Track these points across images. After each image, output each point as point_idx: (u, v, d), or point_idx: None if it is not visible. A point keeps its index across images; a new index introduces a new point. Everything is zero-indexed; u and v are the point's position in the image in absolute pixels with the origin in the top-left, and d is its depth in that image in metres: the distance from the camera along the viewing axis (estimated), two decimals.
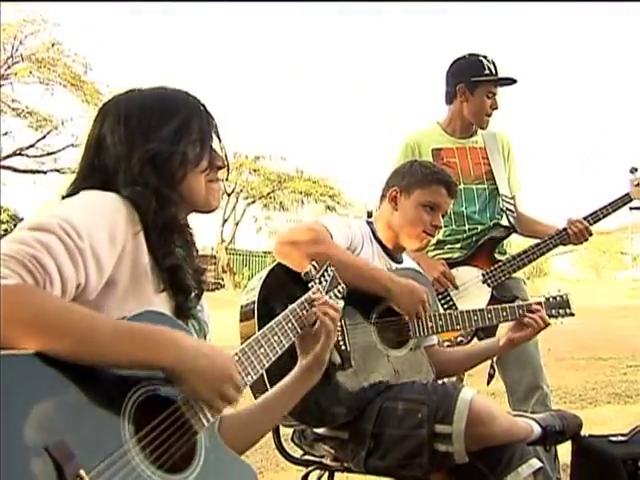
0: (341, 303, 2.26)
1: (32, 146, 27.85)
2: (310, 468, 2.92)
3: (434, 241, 3.94)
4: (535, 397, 3.83)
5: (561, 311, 3.26)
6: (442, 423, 2.52)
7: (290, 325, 2.02)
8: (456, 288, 3.82)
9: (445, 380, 3.15)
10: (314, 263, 2.28)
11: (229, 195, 39.64)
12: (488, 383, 3.73)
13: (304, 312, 2.08)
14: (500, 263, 3.89)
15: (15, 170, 28.32)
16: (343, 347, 2.39)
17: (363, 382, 2.72)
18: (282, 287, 2.62)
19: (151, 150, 1.79)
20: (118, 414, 1.47)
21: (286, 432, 3.01)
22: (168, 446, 1.54)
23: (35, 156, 28.20)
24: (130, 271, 1.67)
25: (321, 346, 2.10)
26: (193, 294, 1.87)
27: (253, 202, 40.90)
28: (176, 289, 1.80)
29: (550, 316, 3.22)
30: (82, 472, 1.32)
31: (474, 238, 3.99)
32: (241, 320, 2.64)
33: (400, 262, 3.09)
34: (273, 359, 1.93)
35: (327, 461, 2.88)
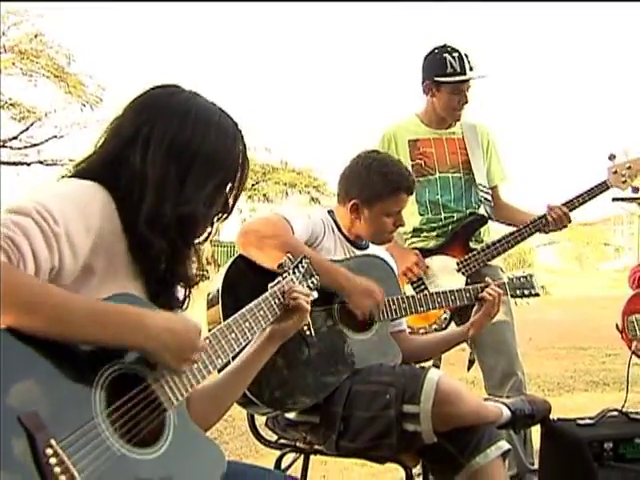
0: (314, 294, 2.31)
1: (15, 138, 27.68)
2: (283, 451, 2.97)
3: (410, 229, 4.01)
4: (510, 383, 3.89)
5: (525, 291, 3.32)
6: (410, 403, 2.58)
7: (262, 313, 2.05)
8: (427, 278, 3.87)
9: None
10: (289, 255, 2.32)
11: None
12: (468, 369, 3.80)
13: (276, 301, 2.11)
14: (475, 252, 3.93)
15: None
16: (308, 332, 2.44)
17: (329, 366, 2.77)
18: (244, 277, 2.68)
19: (185, 211, 1.77)
20: (90, 389, 1.51)
21: (261, 419, 3.06)
22: (137, 421, 1.58)
23: (18, 148, 28.05)
24: (106, 261, 1.70)
25: (292, 323, 2.14)
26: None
27: None
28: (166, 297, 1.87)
29: (514, 296, 3.30)
30: (53, 441, 1.37)
31: (450, 227, 4.03)
32: (208, 308, 2.69)
33: (365, 248, 3.12)
34: (244, 344, 1.97)
35: (300, 444, 2.93)
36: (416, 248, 4.01)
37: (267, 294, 2.10)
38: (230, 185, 1.89)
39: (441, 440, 2.59)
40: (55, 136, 27.49)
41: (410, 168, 3.71)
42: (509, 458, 3.31)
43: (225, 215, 1.95)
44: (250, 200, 43.14)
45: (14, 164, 28.38)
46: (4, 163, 28.26)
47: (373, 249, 3.17)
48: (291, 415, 2.85)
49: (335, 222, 3.06)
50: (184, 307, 1.95)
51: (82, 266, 1.65)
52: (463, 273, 3.90)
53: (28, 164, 28.34)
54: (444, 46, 4.04)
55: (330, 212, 3.10)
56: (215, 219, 1.93)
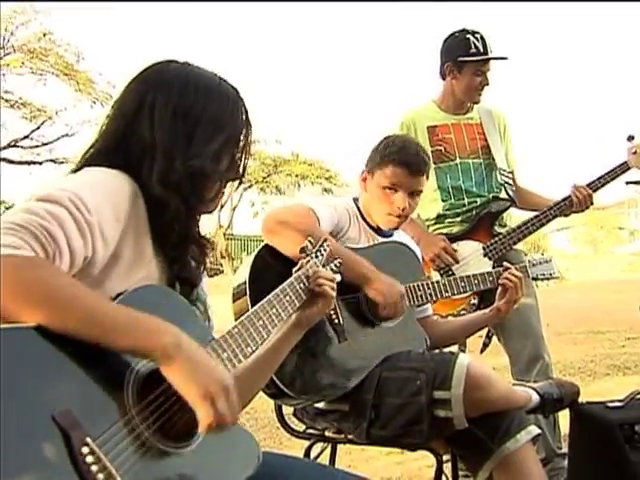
0: (337, 277, 2.28)
1: (27, 137, 27.79)
2: (312, 441, 2.96)
3: (433, 215, 4.01)
4: (537, 367, 3.87)
5: (546, 274, 3.32)
6: (440, 389, 2.57)
7: (288, 298, 2.03)
8: (457, 262, 3.85)
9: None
10: (310, 239, 2.31)
11: None
12: (481, 352, 3.78)
13: (301, 285, 2.10)
14: (500, 236, 3.93)
15: (10, 162, 28.28)
16: (336, 320, 2.42)
17: (358, 354, 2.75)
18: (270, 267, 2.67)
19: (193, 165, 1.77)
20: (122, 384, 1.49)
21: (288, 409, 3.05)
22: (170, 415, 1.55)
23: (30, 147, 28.15)
24: (133, 248, 1.69)
25: (317, 309, 2.14)
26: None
27: (250, 187, 40.89)
28: (183, 285, 1.85)
29: (535, 279, 3.29)
30: (89, 439, 1.34)
31: (474, 212, 4.02)
32: (234, 300, 2.67)
33: (389, 236, 3.10)
34: (272, 331, 1.95)
35: (329, 434, 2.92)
36: (441, 234, 3.99)
37: (292, 279, 2.09)
38: (236, 146, 1.89)
39: (470, 426, 2.57)
40: (66, 134, 27.58)
41: (430, 154, 3.72)
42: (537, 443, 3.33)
43: (237, 179, 1.95)
44: (262, 192, 43.17)
45: (26, 163, 28.49)
46: (16, 163, 28.38)
47: (398, 235, 3.16)
48: (320, 404, 2.83)
49: (359, 210, 3.05)
50: (202, 272, 1.95)
51: (111, 254, 1.64)
52: (490, 257, 3.88)
53: (40, 163, 28.45)
54: (464, 29, 4.07)
55: (355, 200, 3.09)
56: (225, 182, 1.91)
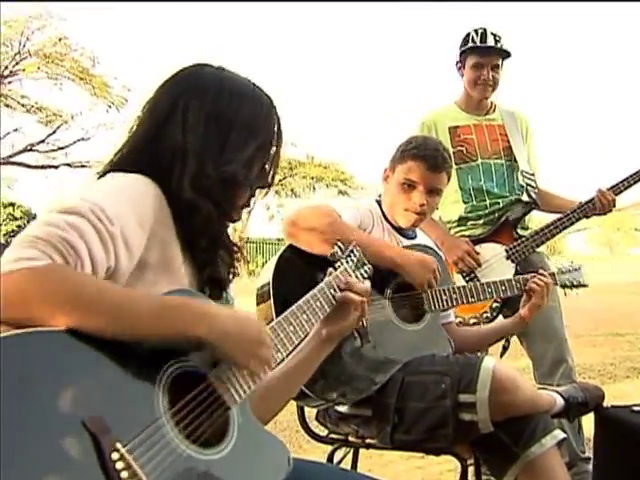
0: (367, 283, 2.25)
1: (43, 141, 27.95)
2: (335, 446, 2.94)
3: (455, 217, 3.99)
4: (560, 371, 3.85)
5: (575, 281, 3.28)
6: (465, 392, 2.54)
7: (318, 304, 2.01)
8: (479, 266, 3.84)
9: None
10: (339, 244, 2.29)
11: None
12: (501, 356, 3.76)
13: (331, 291, 2.07)
14: (523, 238, 3.92)
15: (27, 166, 28.44)
16: (360, 323, 2.42)
17: (381, 357, 2.73)
18: (295, 269, 2.67)
19: (227, 171, 1.77)
20: (152, 389, 1.48)
21: (310, 413, 3.04)
22: (201, 421, 1.54)
23: (46, 151, 28.30)
24: (160, 254, 1.68)
25: (350, 322, 2.10)
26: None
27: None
28: (217, 287, 1.86)
29: (563, 286, 3.25)
30: (119, 445, 1.33)
31: (496, 214, 4.01)
32: (257, 303, 2.66)
33: (412, 238, 3.09)
34: (302, 337, 1.93)
35: (352, 438, 2.90)
36: (463, 236, 3.98)
37: (322, 284, 2.06)
38: (267, 154, 1.88)
39: (495, 430, 2.55)
40: (82, 138, 27.71)
41: (451, 155, 3.73)
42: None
43: (266, 187, 1.93)
44: (277, 195, 43.28)
45: (42, 167, 28.64)
46: (32, 167, 28.53)
47: (421, 238, 3.15)
48: (343, 408, 2.82)
49: (382, 212, 3.04)
50: (233, 277, 1.95)
51: (137, 262, 1.62)
52: (513, 260, 3.87)
53: (56, 167, 28.60)
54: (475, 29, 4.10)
55: (379, 202, 3.09)
56: (255, 190, 1.90)
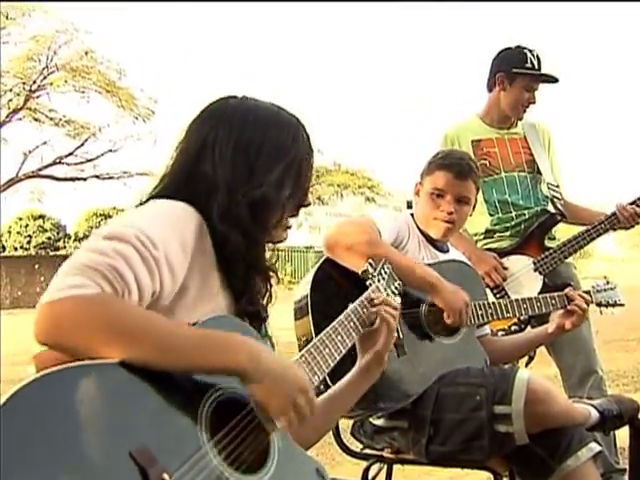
0: (398, 299, 2.28)
1: (71, 154, 28.19)
2: (370, 462, 2.95)
3: (482, 230, 4.00)
4: (590, 382, 3.85)
5: (610, 300, 3.28)
6: (501, 404, 2.56)
7: (352, 324, 2.04)
8: (505, 280, 3.85)
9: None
10: (371, 261, 2.30)
11: None
12: (527, 365, 3.75)
13: (364, 311, 2.09)
14: (551, 250, 3.92)
15: (55, 178, 28.69)
16: (396, 335, 2.43)
17: (417, 369, 2.75)
18: (332, 283, 2.71)
19: (254, 195, 1.80)
20: (195, 417, 1.51)
21: (345, 426, 3.05)
22: (244, 447, 1.57)
23: (75, 164, 28.53)
24: (200, 280, 1.72)
25: (383, 343, 2.11)
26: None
27: None
28: (252, 320, 1.87)
29: (599, 305, 3.24)
30: (166, 475, 1.36)
31: (522, 225, 4.02)
32: (296, 319, 2.69)
33: (446, 251, 3.13)
34: (338, 359, 1.95)
35: (386, 454, 2.91)
36: (490, 249, 3.99)
37: (355, 304, 2.09)
38: (298, 173, 1.90)
39: (530, 443, 2.56)
40: (110, 150, 27.95)
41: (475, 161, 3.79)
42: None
43: (304, 206, 1.97)
44: None
45: (71, 180, 28.86)
46: (61, 179, 28.76)
47: (453, 252, 3.18)
48: (379, 421, 2.85)
49: (417, 225, 3.08)
50: (270, 301, 1.98)
51: (179, 287, 1.66)
52: (540, 272, 3.87)
53: (85, 179, 28.82)
54: (520, 46, 4.09)
55: (413, 215, 3.13)
56: (294, 209, 1.93)
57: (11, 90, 25.70)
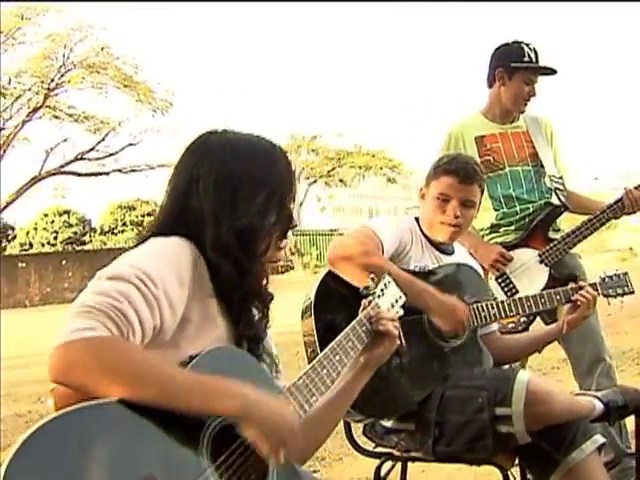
0: (400, 312, 2.36)
1: (92, 149, 28.42)
2: (382, 460, 3.05)
3: (488, 224, 4.07)
4: (599, 370, 3.91)
5: (619, 290, 3.30)
6: (501, 406, 2.64)
7: (350, 344, 2.12)
8: (511, 271, 3.93)
9: (506, 366, 3.27)
10: (372, 276, 2.38)
11: None
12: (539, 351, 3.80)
13: (363, 329, 2.17)
14: (555, 242, 3.97)
15: (78, 174, 28.94)
16: (399, 341, 2.51)
17: (420, 374, 2.85)
18: (335, 291, 2.82)
19: (240, 224, 1.90)
20: (197, 444, 1.63)
21: (358, 428, 3.15)
22: (243, 471, 1.69)
23: (96, 159, 28.77)
24: (200, 311, 1.84)
25: (384, 349, 2.21)
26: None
27: (315, 182, 41.14)
28: (254, 340, 1.98)
29: (607, 296, 3.28)
30: None
31: (527, 219, 4.07)
32: (302, 317, 2.84)
33: (450, 253, 3.18)
34: (336, 378, 2.05)
35: (396, 452, 3.01)
36: (496, 243, 4.06)
37: (354, 323, 2.17)
38: (281, 199, 2.00)
39: (536, 438, 2.64)
40: (130, 144, 28.16)
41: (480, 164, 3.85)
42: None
43: (291, 228, 2.07)
44: (327, 186, 43.41)
45: (93, 175, 29.10)
46: (84, 175, 29.01)
47: (459, 253, 3.25)
48: (388, 423, 2.95)
49: (421, 229, 3.15)
50: (267, 327, 2.07)
51: (180, 320, 1.78)
52: (546, 264, 3.93)
53: (107, 174, 29.06)
54: (516, 40, 4.14)
55: (417, 219, 3.19)
56: (281, 234, 2.03)
57: (30, 89, 25.96)
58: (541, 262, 3.94)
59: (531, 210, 4.08)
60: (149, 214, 37.26)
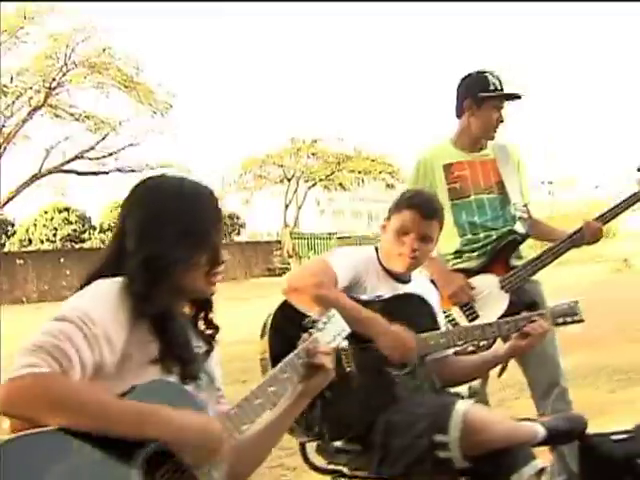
0: (343, 344, 2.51)
1: (92, 148, 28.56)
2: (333, 477, 3.23)
3: (452, 250, 4.19)
4: (554, 393, 4.06)
5: (568, 319, 3.37)
6: (440, 433, 2.77)
7: (286, 375, 2.26)
8: (472, 300, 4.06)
9: (461, 388, 3.40)
10: (318, 310, 2.53)
11: (289, 180, 40.13)
12: (499, 375, 3.92)
13: (300, 362, 2.31)
14: (516, 269, 4.09)
15: (78, 173, 29.09)
16: (348, 368, 2.62)
17: (369, 399, 3.00)
18: (291, 318, 2.91)
19: (151, 253, 2.06)
20: (128, 467, 1.83)
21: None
22: None
23: (96, 158, 28.92)
24: (139, 344, 2.01)
25: (320, 382, 2.36)
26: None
27: (314, 185, 41.26)
28: (184, 364, 2.11)
29: (557, 325, 3.38)
30: None
31: (489, 246, 4.18)
32: (261, 335, 3.00)
33: (407, 281, 3.31)
34: (270, 408, 2.21)
35: (346, 470, 3.17)
36: (459, 269, 4.17)
37: (291, 355, 2.31)
38: (203, 237, 2.16)
39: (478, 462, 2.77)
40: (130, 144, 28.29)
41: (447, 192, 4.14)
42: (559, 466, 3.71)
43: (217, 265, 2.21)
44: (327, 190, 43.54)
45: (93, 174, 29.24)
46: (84, 174, 29.15)
47: (416, 282, 3.38)
48: (338, 443, 3.09)
49: (379, 259, 3.28)
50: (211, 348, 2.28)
51: (121, 355, 1.96)
52: (507, 290, 4.05)
53: (107, 173, 29.20)
54: (481, 70, 4.28)
55: (377, 249, 3.32)
56: (207, 266, 2.17)
57: (31, 88, 26.10)
58: (502, 288, 4.05)
59: (494, 237, 4.19)
60: None
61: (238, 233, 43.21)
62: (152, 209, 2.13)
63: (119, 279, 2.03)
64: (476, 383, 3.78)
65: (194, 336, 2.23)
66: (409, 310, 3.20)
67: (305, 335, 2.40)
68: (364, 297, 3.14)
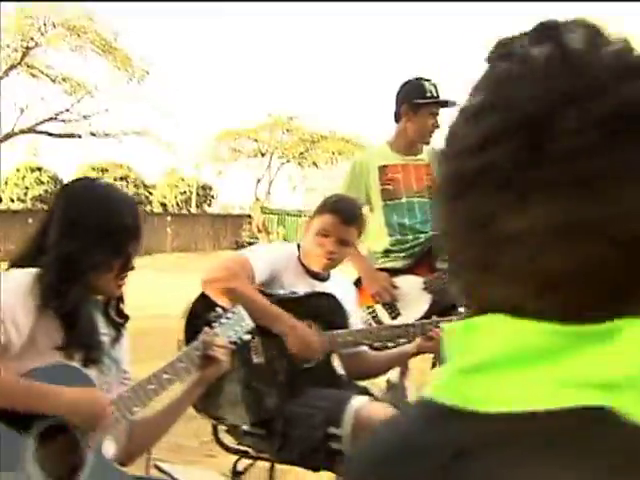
0: (246, 337, 2.72)
1: (67, 110, 28.45)
2: (238, 456, 3.44)
3: (381, 249, 4.38)
4: None
5: None
6: (334, 426, 2.97)
7: (182, 365, 2.45)
8: (395, 300, 4.24)
9: (379, 380, 3.65)
10: (223, 305, 2.72)
11: (263, 155, 40.25)
12: (433, 367, 4.10)
13: (197, 353, 2.50)
14: (440, 272, 4.23)
15: (51, 134, 28.97)
16: (256, 359, 2.81)
17: (274, 387, 3.20)
18: (208, 308, 3.05)
19: (70, 251, 2.25)
20: (24, 439, 2.09)
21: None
22: (58, 460, 2.16)
23: (70, 121, 28.81)
24: (46, 329, 2.21)
25: (213, 372, 2.56)
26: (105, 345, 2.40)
27: (287, 161, 41.39)
28: (87, 350, 2.30)
29: None
30: None
31: (416, 248, 4.36)
32: (183, 315, 3.19)
33: (324, 279, 3.47)
34: (162, 394, 2.39)
35: (252, 452, 3.38)
36: (386, 268, 4.33)
37: (189, 347, 2.52)
38: (118, 242, 2.33)
39: None
40: (105, 109, 28.20)
41: (379, 193, 4.32)
42: None
43: (126, 270, 2.40)
44: (300, 167, 43.61)
45: (66, 136, 29.11)
46: (56, 135, 29.03)
47: (334, 280, 3.54)
48: (245, 427, 3.29)
49: (299, 257, 3.44)
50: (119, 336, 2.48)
51: (28, 338, 2.17)
52: (429, 292, 4.22)
53: (80, 136, 29.08)
54: (419, 77, 4.44)
55: (299, 246, 3.48)
56: (118, 269, 2.35)
57: (8, 46, 25.93)
58: (425, 289, 4.22)
59: (422, 240, 4.36)
60: (122, 178, 37.42)
61: (210, 204, 43.24)
62: (79, 210, 2.31)
63: (33, 270, 2.22)
64: (394, 376, 3.99)
65: (104, 323, 2.41)
66: (321, 308, 3.37)
67: (207, 328, 2.60)
68: (280, 292, 3.31)
